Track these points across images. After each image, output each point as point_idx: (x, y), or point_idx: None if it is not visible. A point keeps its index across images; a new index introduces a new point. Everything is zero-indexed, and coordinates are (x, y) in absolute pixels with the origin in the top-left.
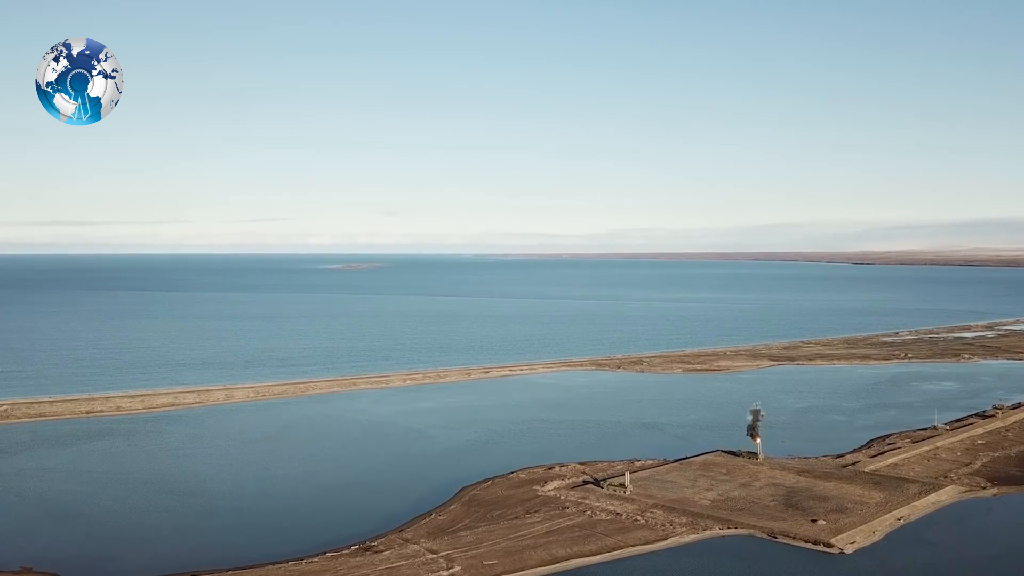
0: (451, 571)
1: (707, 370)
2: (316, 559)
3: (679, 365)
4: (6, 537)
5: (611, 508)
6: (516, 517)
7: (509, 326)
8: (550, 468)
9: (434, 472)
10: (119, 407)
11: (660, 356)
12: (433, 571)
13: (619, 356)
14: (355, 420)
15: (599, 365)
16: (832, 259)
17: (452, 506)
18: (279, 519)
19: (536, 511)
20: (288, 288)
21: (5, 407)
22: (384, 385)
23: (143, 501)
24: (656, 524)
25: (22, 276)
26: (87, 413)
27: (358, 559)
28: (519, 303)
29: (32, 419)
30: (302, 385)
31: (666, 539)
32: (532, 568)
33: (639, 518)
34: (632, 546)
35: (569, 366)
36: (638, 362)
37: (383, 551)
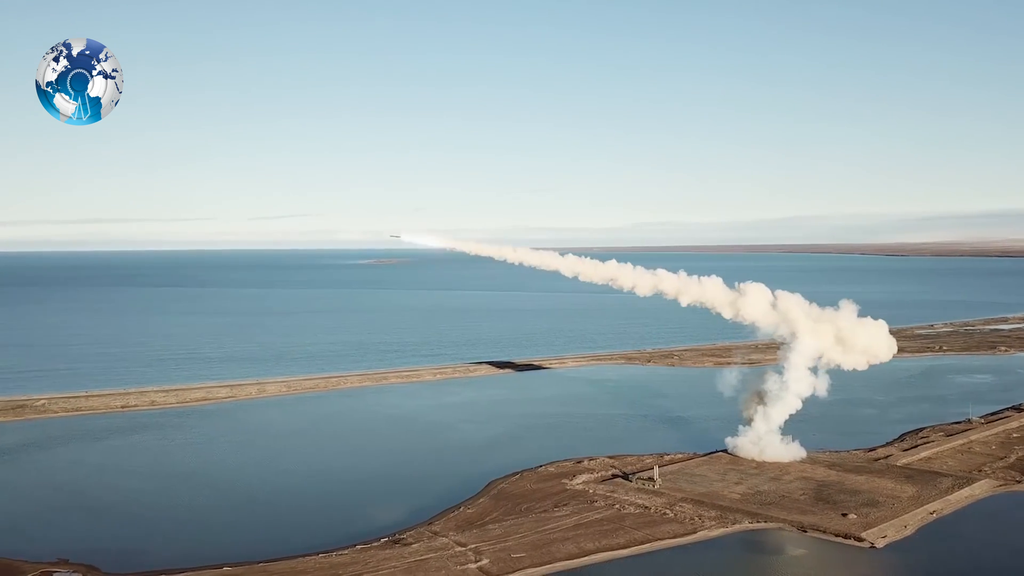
0: (479, 564)
1: (741, 363)
2: (346, 551)
3: (710, 358)
4: (44, 529)
5: (640, 502)
6: (544, 511)
7: (537, 320)
8: (579, 462)
9: (463, 465)
10: (153, 401)
11: (691, 349)
12: (461, 563)
13: (649, 350)
14: (385, 414)
15: (629, 359)
16: (864, 251)
17: (481, 499)
18: (310, 512)
19: (564, 504)
20: (318, 284)
21: (43, 401)
22: (414, 379)
23: (176, 494)
24: (685, 518)
25: (50, 273)
26: (122, 407)
27: (388, 551)
28: (546, 296)
29: (69, 413)
30: (333, 379)
31: (695, 533)
32: (560, 561)
33: (668, 512)
34: (661, 540)
35: (598, 360)
36: (669, 356)
37: (412, 543)
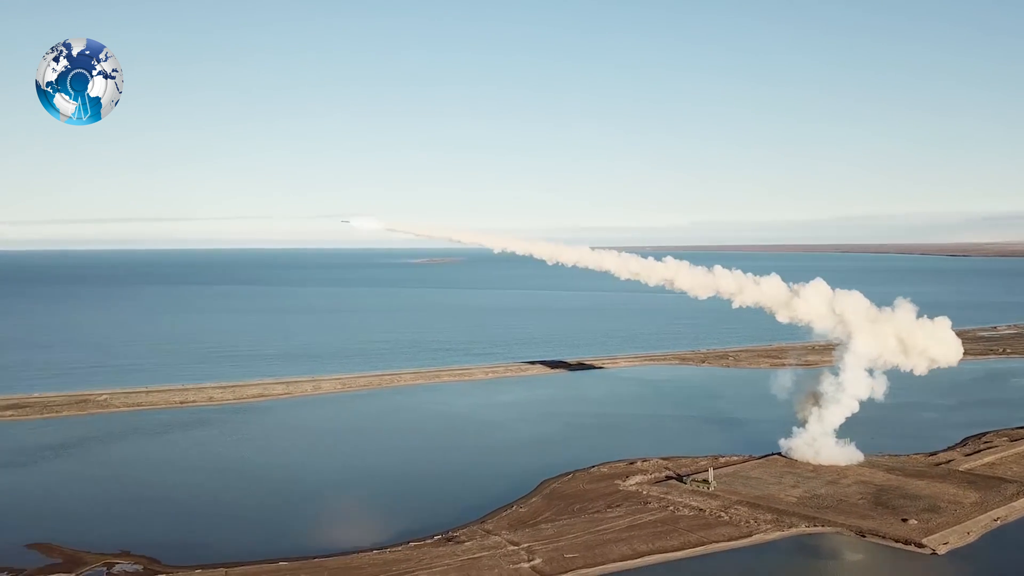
0: (532, 563)
1: (796, 365)
2: (400, 548)
3: (766, 360)
4: (106, 521)
5: (694, 504)
6: (597, 511)
7: (588, 319)
8: (632, 463)
9: (515, 464)
10: (211, 397)
11: (746, 350)
12: (514, 562)
13: (704, 350)
14: (438, 412)
15: (683, 359)
16: (925, 251)
17: (533, 499)
18: (364, 509)
19: (617, 505)
20: (372, 283)
21: (105, 397)
22: (467, 378)
23: (233, 489)
24: (740, 521)
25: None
26: (181, 403)
27: (441, 549)
28: (598, 296)
29: (130, 408)
30: (387, 377)
31: (750, 536)
32: (613, 562)
33: (723, 514)
34: (715, 542)
35: (652, 360)
36: (723, 356)
37: (465, 542)
